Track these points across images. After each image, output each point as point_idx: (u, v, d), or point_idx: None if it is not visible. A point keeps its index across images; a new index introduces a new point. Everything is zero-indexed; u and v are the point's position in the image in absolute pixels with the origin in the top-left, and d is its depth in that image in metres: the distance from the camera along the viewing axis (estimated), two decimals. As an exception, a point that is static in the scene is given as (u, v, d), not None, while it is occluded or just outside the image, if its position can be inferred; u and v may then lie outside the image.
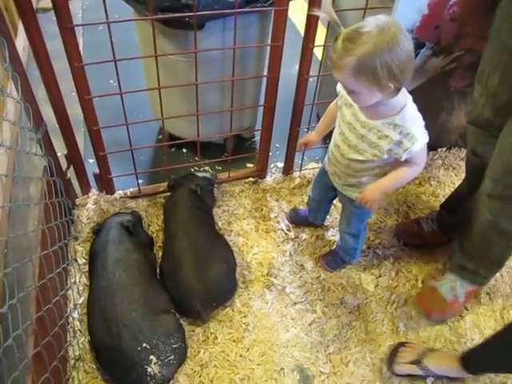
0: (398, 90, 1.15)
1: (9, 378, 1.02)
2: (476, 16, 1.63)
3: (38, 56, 1.38)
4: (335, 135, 1.43)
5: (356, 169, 1.40)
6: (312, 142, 1.58)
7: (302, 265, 1.83)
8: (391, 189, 1.42)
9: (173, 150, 2.24)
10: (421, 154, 1.28)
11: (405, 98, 1.25)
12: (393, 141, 1.25)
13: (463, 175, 1.79)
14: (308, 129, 1.95)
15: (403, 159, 1.28)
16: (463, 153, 2.29)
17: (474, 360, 1.43)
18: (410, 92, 1.82)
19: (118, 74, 1.50)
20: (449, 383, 1.54)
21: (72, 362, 1.50)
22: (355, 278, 1.81)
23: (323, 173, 1.62)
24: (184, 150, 2.28)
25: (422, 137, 1.24)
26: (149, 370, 1.40)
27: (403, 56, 1.08)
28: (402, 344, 1.59)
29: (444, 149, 2.31)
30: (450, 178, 2.18)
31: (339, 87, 1.38)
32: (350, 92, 1.19)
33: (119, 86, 1.54)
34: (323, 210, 1.87)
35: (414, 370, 1.52)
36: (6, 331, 1.00)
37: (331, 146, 1.47)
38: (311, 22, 1.57)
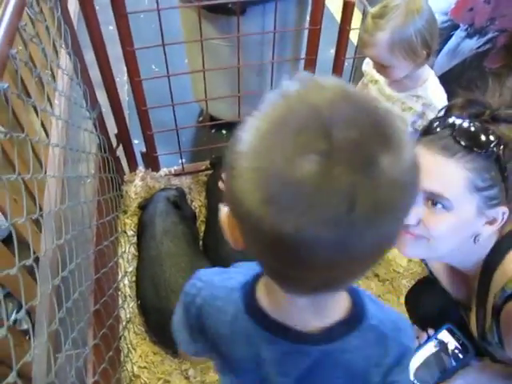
0: (428, 57, 1.20)
1: (75, 329, 1.15)
2: (510, -3, 1.66)
3: (94, 40, 1.50)
4: None
5: None
6: None
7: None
8: None
9: (213, 131, 2.35)
10: None
11: (427, 71, 1.29)
12: (416, 112, 1.30)
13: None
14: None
15: None
16: (497, 134, 2.31)
17: None
18: (445, 73, 1.87)
19: (166, 58, 1.60)
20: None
21: (123, 323, 1.64)
22: (388, 253, 1.88)
23: None
24: (224, 132, 2.38)
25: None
26: (193, 330, 1.52)
27: (431, 21, 1.15)
28: None
29: (478, 130, 2.32)
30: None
31: (365, 66, 1.44)
32: (383, 67, 1.23)
33: (167, 68, 1.65)
34: None
35: None
36: (73, 287, 1.13)
37: None
38: (348, 5, 1.63)
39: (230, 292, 0.64)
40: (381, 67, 1.24)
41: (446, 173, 0.79)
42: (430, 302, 1.32)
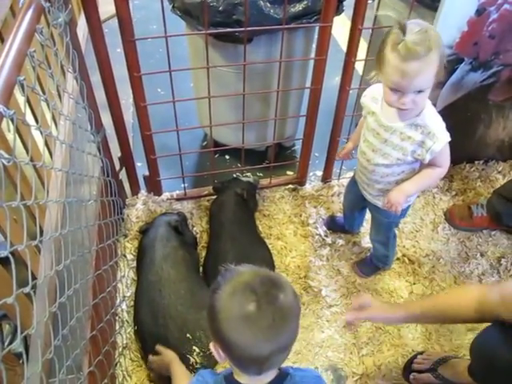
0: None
1: (70, 356, 1.14)
2: (514, 33, 1.69)
3: (102, 65, 1.52)
4: (361, 144, 1.49)
5: (382, 174, 1.45)
6: (348, 148, 1.67)
7: (338, 269, 1.90)
8: (415, 192, 1.46)
9: (216, 156, 2.36)
10: (443, 153, 1.32)
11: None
12: (415, 141, 1.30)
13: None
14: (347, 139, 2.02)
15: (427, 161, 1.32)
16: (501, 166, 2.32)
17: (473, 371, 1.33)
18: (449, 105, 1.89)
19: (172, 83, 1.62)
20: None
21: (120, 349, 1.62)
22: (389, 285, 1.86)
23: (353, 182, 1.69)
24: (227, 157, 2.39)
25: (443, 136, 1.28)
26: (191, 360, 1.49)
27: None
28: (418, 353, 1.62)
29: (481, 161, 2.33)
30: (487, 190, 2.21)
31: (363, 99, 1.45)
32: (415, 97, 1.19)
33: (172, 94, 1.66)
34: (357, 218, 1.93)
35: (429, 378, 1.51)
36: (70, 313, 1.12)
37: (358, 155, 1.53)
38: (354, 38, 1.65)
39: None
40: (415, 97, 1.20)
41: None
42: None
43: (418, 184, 1.40)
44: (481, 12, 1.60)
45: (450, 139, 1.29)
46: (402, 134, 1.32)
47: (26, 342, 1.15)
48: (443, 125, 1.30)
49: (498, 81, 1.90)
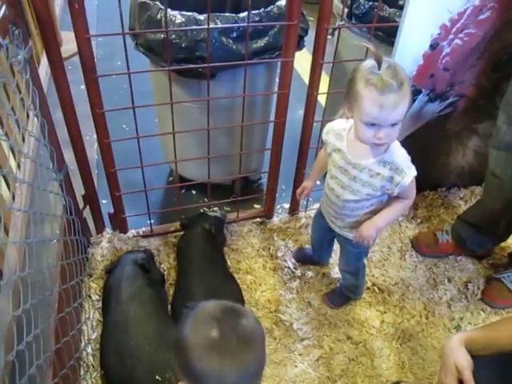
0: None
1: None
2: (467, 65, 1.76)
3: (63, 102, 1.50)
4: (328, 180, 1.50)
5: (352, 208, 1.47)
6: (308, 188, 1.68)
7: (308, 302, 1.88)
8: (385, 225, 1.49)
9: (183, 191, 2.34)
10: (411, 187, 1.36)
11: None
12: (384, 177, 1.33)
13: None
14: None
15: (395, 194, 1.36)
16: (462, 192, 2.39)
17: None
18: (410, 135, 1.94)
19: (135, 119, 1.61)
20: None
21: (85, 396, 1.54)
22: (361, 315, 1.85)
23: (320, 215, 1.69)
24: (193, 192, 2.37)
25: (410, 170, 1.32)
26: (161, 402, 1.44)
27: None
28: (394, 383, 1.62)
29: (444, 189, 2.39)
30: (451, 216, 2.25)
31: (325, 136, 1.47)
32: (390, 131, 1.21)
33: (136, 130, 1.65)
34: (325, 249, 1.93)
35: None
36: (29, 361, 1.06)
37: (325, 190, 1.54)
38: (315, 71, 1.69)
39: None
40: (389, 131, 1.21)
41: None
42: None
43: (388, 217, 1.44)
44: (434, 47, 1.67)
45: (416, 173, 1.33)
46: (370, 170, 1.34)
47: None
48: (409, 158, 1.34)
49: (454, 110, 1.97)
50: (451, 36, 1.65)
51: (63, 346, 1.35)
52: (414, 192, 1.40)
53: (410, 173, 1.31)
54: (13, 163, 1.45)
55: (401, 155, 1.33)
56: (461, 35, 1.65)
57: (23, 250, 1.23)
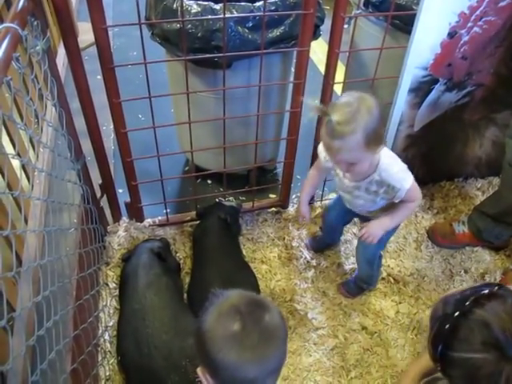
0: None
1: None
2: (485, 54, 1.73)
3: (80, 92, 1.51)
4: (338, 189, 1.61)
5: (364, 207, 1.55)
6: (307, 213, 1.70)
7: (323, 291, 1.89)
8: (394, 226, 1.55)
9: (198, 181, 2.35)
10: (412, 192, 1.39)
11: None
12: (380, 193, 1.40)
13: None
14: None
15: (398, 201, 1.42)
16: (479, 183, 2.35)
17: None
18: (427, 125, 1.92)
19: (152, 109, 1.62)
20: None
21: (102, 382, 1.57)
22: (376, 305, 1.85)
23: (339, 198, 1.72)
24: (209, 182, 2.39)
25: (404, 181, 1.35)
26: (177, 389, 1.46)
27: (382, 111, 1.22)
28: None
29: (461, 179, 2.37)
30: (468, 207, 2.23)
31: (323, 159, 1.49)
32: (351, 166, 1.28)
33: (153, 120, 1.65)
34: (339, 231, 1.99)
35: None
36: (49, 346, 1.08)
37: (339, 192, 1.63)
38: (331, 61, 1.68)
39: None
40: (349, 166, 1.29)
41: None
42: None
43: (396, 219, 1.50)
44: (452, 35, 1.65)
45: (412, 181, 1.36)
46: (367, 189, 1.42)
47: (1, 379, 1.10)
48: (403, 169, 1.38)
49: (472, 100, 1.94)
50: (470, 24, 1.63)
51: (81, 332, 1.38)
52: (418, 193, 1.44)
53: (403, 186, 1.35)
54: (31, 153, 1.48)
55: (390, 171, 1.36)
56: (480, 23, 1.62)
57: (42, 238, 1.26)
